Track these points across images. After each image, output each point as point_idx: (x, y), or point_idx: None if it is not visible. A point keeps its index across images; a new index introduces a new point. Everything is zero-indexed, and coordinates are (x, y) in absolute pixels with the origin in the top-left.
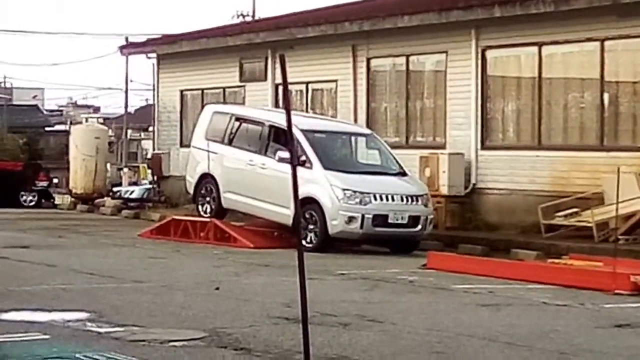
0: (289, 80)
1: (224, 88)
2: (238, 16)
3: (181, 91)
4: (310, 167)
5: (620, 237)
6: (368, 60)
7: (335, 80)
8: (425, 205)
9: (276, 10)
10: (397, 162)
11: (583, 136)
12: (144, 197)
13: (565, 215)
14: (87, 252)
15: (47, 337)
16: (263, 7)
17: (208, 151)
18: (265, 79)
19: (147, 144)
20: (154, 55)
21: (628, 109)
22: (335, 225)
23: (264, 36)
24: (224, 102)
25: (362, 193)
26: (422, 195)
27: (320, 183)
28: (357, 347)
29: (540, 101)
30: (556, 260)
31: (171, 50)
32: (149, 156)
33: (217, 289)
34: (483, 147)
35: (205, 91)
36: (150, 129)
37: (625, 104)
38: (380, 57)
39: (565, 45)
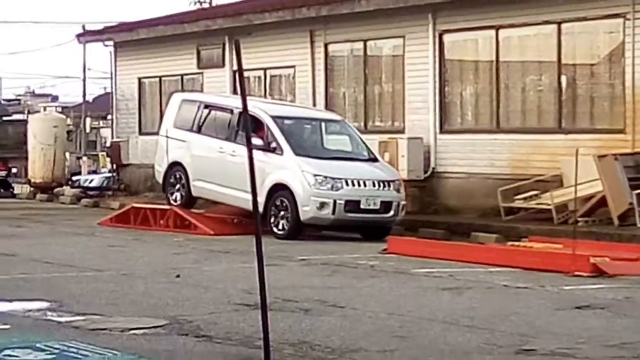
0: (247, 66)
1: (181, 75)
2: (195, 3)
3: (139, 79)
4: (281, 154)
5: (579, 219)
6: (326, 45)
7: (293, 66)
8: (397, 191)
9: None
10: (368, 148)
11: (541, 119)
12: (104, 186)
13: (525, 198)
14: (47, 241)
15: (7, 327)
16: None
17: (176, 139)
18: (223, 66)
19: (106, 133)
20: (111, 43)
21: (585, 91)
22: (306, 211)
23: (221, 22)
24: (191, 90)
25: (333, 179)
26: (394, 181)
27: (291, 169)
28: (318, 332)
29: (498, 84)
30: (516, 243)
31: (128, 37)
32: (108, 144)
33: (178, 276)
34: (442, 131)
35: (163, 78)
36: (109, 117)
37: (583, 86)
38: (338, 42)
39: (522, 29)
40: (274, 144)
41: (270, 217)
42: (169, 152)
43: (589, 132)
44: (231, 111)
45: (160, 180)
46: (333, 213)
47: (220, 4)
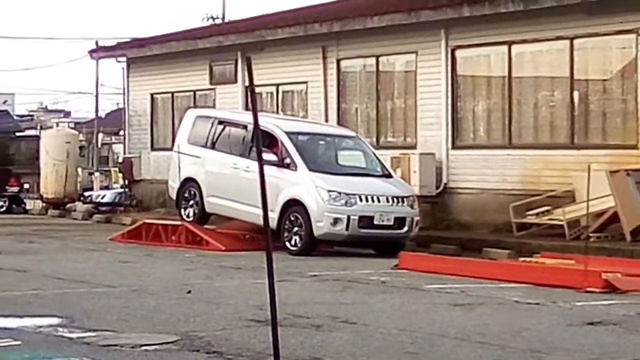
0: (259, 82)
1: (194, 91)
2: (208, 19)
3: (151, 94)
4: (295, 169)
5: (591, 234)
6: (338, 61)
7: (306, 82)
8: (412, 207)
9: (246, 12)
10: (381, 163)
11: (553, 134)
12: (116, 202)
13: (537, 214)
14: (59, 257)
15: (18, 343)
16: (233, 9)
17: (190, 155)
18: (236, 81)
19: (118, 148)
20: (124, 59)
21: (598, 106)
22: (320, 227)
23: (234, 38)
24: (204, 106)
25: (347, 194)
26: (408, 197)
27: (305, 185)
28: (329, 348)
29: (510, 100)
30: (528, 259)
31: (141, 53)
32: (120, 160)
33: (189, 292)
34: (454, 147)
35: (175, 94)
36: (121, 133)
37: (595, 101)
38: (351, 58)
39: (534, 44)
40: (287, 160)
41: (283, 233)
42: (183, 168)
43: (601, 148)
44: (245, 127)
45: (174, 196)
46: (347, 229)
47: (233, 19)
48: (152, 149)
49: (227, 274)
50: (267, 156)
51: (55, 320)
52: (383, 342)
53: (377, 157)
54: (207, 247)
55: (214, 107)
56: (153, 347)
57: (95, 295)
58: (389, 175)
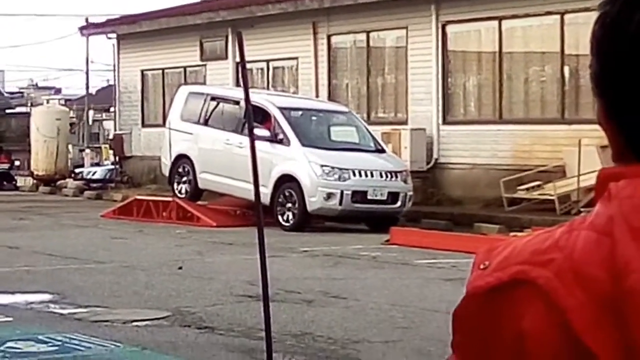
0: (250, 58)
1: (184, 67)
2: None
3: (142, 71)
4: (288, 145)
5: (582, 209)
6: (329, 37)
7: (296, 58)
8: (405, 182)
9: None
10: (374, 139)
11: (544, 110)
12: (106, 178)
13: (527, 189)
14: (50, 233)
15: (9, 319)
16: None
17: (183, 132)
18: (226, 58)
19: (108, 125)
20: (114, 35)
21: (588, 82)
22: (313, 202)
23: (224, 15)
24: (195, 83)
25: (340, 169)
26: (401, 172)
27: (298, 160)
28: (321, 323)
29: (501, 75)
30: (519, 234)
31: (131, 30)
32: (110, 137)
33: (180, 268)
34: (445, 122)
35: (165, 71)
36: (112, 109)
37: (586, 77)
38: (341, 33)
39: (525, 19)
40: (280, 135)
41: (276, 208)
42: (175, 144)
43: (591, 123)
44: (238, 103)
45: (167, 173)
46: (340, 204)
47: None
48: (143, 125)
49: (218, 250)
50: (260, 132)
51: (46, 297)
52: (374, 317)
53: (370, 133)
54: (198, 223)
55: (204, 83)
56: (144, 323)
57: (86, 272)
58: (382, 151)
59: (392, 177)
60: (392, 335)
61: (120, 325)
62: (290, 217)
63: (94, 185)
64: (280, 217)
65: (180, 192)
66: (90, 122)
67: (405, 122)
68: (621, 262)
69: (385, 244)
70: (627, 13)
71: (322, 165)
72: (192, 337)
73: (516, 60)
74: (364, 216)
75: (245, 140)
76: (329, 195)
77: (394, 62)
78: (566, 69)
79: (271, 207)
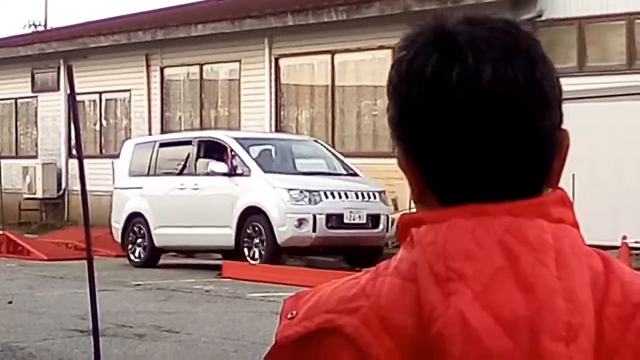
0: (82, 90)
1: (15, 99)
2: (30, 26)
3: None
4: (249, 175)
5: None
6: (162, 69)
7: (129, 90)
8: (385, 203)
9: (69, 20)
10: (345, 164)
11: (376, 143)
12: None
13: None
14: None
15: None
16: (55, 16)
17: (132, 188)
18: (58, 89)
19: None
20: None
21: None
22: (283, 232)
23: (57, 46)
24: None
25: (310, 192)
26: (380, 192)
27: (262, 188)
28: (152, 358)
29: (333, 109)
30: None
31: None
32: None
33: (10, 302)
34: None
35: None
36: None
37: None
38: (174, 66)
39: (357, 53)
40: (239, 168)
41: (243, 249)
42: (126, 204)
43: None
44: (190, 142)
45: (119, 239)
46: (314, 230)
47: (56, 27)
48: None
49: (49, 284)
50: (217, 167)
51: None
52: (206, 351)
53: (339, 159)
54: (29, 256)
55: (36, 115)
56: None
57: None
58: (355, 174)
59: (369, 197)
60: None
61: None
62: (257, 253)
63: None
64: (249, 258)
65: (137, 256)
66: None
67: None
68: (427, 308)
69: (218, 278)
70: (422, 59)
71: (289, 190)
72: None
73: (348, 94)
74: (341, 245)
75: (201, 180)
76: (301, 222)
77: (227, 95)
78: None
79: (237, 248)
